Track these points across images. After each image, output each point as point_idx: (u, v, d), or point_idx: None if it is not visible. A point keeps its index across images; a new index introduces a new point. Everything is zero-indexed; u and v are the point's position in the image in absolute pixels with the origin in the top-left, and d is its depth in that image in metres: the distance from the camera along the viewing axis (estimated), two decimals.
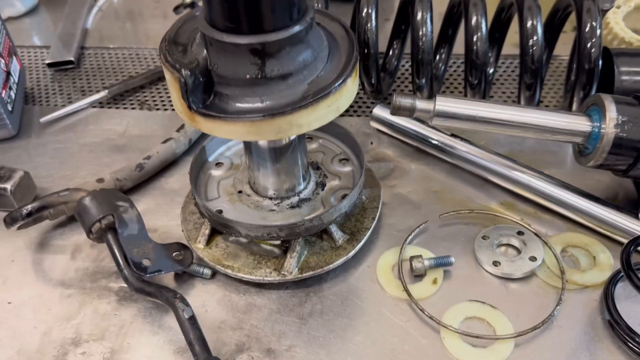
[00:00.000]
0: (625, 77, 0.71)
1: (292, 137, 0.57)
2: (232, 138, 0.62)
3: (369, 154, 0.74)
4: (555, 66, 0.88)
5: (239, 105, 0.48)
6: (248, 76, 0.47)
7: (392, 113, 0.61)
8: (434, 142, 0.71)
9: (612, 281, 0.54)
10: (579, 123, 0.59)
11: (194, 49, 0.50)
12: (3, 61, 0.81)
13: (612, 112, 0.57)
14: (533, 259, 0.58)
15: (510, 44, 0.82)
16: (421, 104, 0.60)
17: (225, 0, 0.45)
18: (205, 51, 0.49)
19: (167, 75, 0.48)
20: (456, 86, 0.86)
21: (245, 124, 0.47)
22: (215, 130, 0.49)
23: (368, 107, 0.83)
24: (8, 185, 0.66)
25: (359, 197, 0.62)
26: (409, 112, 0.60)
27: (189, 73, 0.46)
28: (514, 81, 0.86)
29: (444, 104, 0.60)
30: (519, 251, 0.60)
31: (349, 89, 0.50)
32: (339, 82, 0.48)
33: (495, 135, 0.74)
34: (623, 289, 0.54)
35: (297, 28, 0.47)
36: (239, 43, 0.46)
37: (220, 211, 0.60)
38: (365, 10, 0.73)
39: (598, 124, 0.58)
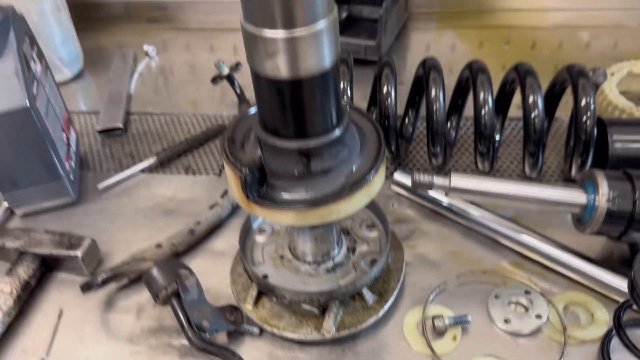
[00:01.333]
0: (618, 145, 0.80)
1: None
2: (282, 223, 0.71)
3: (390, 216, 0.83)
4: (557, 127, 0.97)
5: (287, 195, 0.57)
6: (296, 172, 0.57)
7: (413, 189, 0.70)
8: (449, 206, 0.81)
9: (608, 337, 0.63)
10: (576, 197, 0.68)
11: (250, 147, 0.60)
12: (65, 134, 0.92)
13: (604, 187, 0.66)
14: (539, 316, 0.67)
15: (515, 105, 0.91)
16: (438, 181, 0.69)
17: (278, 115, 0.55)
18: (259, 150, 0.59)
19: (228, 170, 0.58)
20: (467, 147, 0.96)
21: (293, 212, 0.57)
22: (268, 216, 0.58)
23: (390, 171, 0.92)
24: (79, 253, 0.76)
25: (385, 261, 0.71)
26: (428, 187, 0.70)
27: (247, 171, 0.56)
28: (519, 142, 0.95)
29: (458, 181, 0.69)
30: (526, 309, 0.68)
31: (380, 177, 0.60)
32: (371, 174, 0.58)
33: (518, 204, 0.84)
34: (617, 343, 0.62)
35: (336, 133, 0.56)
36: (289, 147, 0.56)
37: (266, 276, 0.69)
38: (385, 89, 0.83)
39: (593, 197, 0.67)
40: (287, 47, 0.49)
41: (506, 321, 0.67)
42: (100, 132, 1.06)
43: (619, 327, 0.60)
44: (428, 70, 0.83)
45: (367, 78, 0.95)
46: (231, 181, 0.59)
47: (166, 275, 0.67)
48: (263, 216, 0.59)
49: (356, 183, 0.57)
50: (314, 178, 0.57)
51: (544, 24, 1.33)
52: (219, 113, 1.10)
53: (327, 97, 0.54)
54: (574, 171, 0.82)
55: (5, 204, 0.88)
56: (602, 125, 0.82)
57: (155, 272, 0.67)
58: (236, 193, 0.59)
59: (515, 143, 0.96)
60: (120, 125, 1.06)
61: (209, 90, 1.17)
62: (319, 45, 0.50)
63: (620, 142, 0.80)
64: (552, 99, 0.88)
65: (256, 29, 0.49)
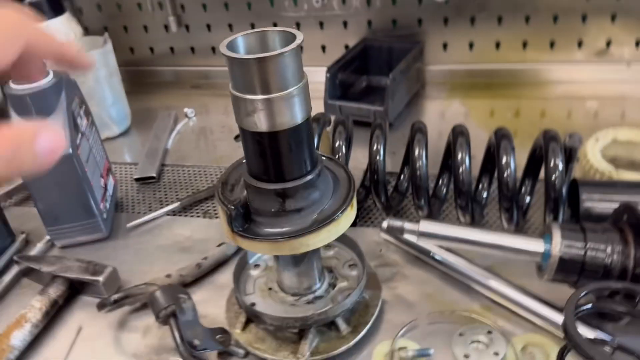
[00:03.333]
0: (588, 204, 0.87)
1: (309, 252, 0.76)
2: (260, 252, 0.82)
3: (377, 260, 0.92)
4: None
5: (266, 229, 0.68)
6: (273, 210, 0.68)
7: (387, 231, 0.79)
8: (430, 254, 0.88)
9: None
10: (535, 245, 0.75)
11: (239, 188, 0.72)
12: (103, 180, 1.07)
13: (557, 237, 0.73)
14: (496, 354, 0.72)
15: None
16: (408, 226, 0.78)
17: (259, 162, 0.66)
18: (245, 191, 0.70)
19: (219, 207, 0.70)
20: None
21: (270, 244, 0.67)
22: (249, 247, 0.69)
23: (383, 218, 1.01)
24: (100, 278, 0.88)
25: (361, 296, 0.79)
26: (399, 231, 0.79)
27: (232, 207, 0.67)
28: None
29: (426, 226, 0.78)
30: (486, 346, 0.74)
31: (347, 217, 0.69)
32: (338, 213, 0.68)
33: (483, 249, 0.91)
34: None
35: (308, 178, 0.67)
36: (268, 188, 0.67)
37: (253, 304, 0.79)
38: (375, 146, 0.94)
39: (549, 247, 0.74)
40: (265, 107, 0.61)
41: (466, 356, 0.73)
42: (137, 180, 1.21)
43: None
44: (456, 137, 0.92)
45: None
46: (221, 216, 0.70)
47: (167, 298, 0.78)
48: (245, 247, 0.69)
49: (324, 220, 0.67)
50: (289, 215, 0.68)
51: (552, 95, 1.41)
52: None
53: (300, 147, 0.65)
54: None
55: (47, 237, 1.03)
56: (576, 185, 0.89)
57: (158, 294, 0.78)
58: (224, 226, 0.70)
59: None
60: (154, 174, 1.21)
61: (236, 147, 1.31)
62: (290, 105, 0.62)
63: (590, 201, 0.87)
64: (535, 161, 0.96)
65: (240, 94, 0.62)
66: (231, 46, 0.61)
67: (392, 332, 0.78)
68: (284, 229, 0.67)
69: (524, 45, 1.42)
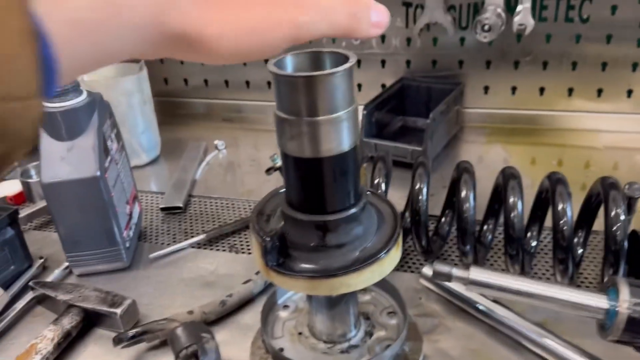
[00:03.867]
0: None
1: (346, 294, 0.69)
2: (295, 291, 0.75)
3: (417, 309, 0.84)
4: (598, 240, 0.97)
5: (303, 265, 0.62)
6: (312, 244, 0.62)
7: (433, 277, 0.73)
8: (475, 304, 0.81)
9: None
10: (597, 301, 0.67)
11: (275, 219, 0.66)
12: (128, 207, 1.02)
13: (625, 294, 0.65)
14: None
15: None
16: (457, 272, 0.71)
17: (300, 191, 0.61)
18: (282, 222, 0.64)
19: (253, 238, 0.64)
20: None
21: (306, 281, 0.61)
22: (282, 284, 0.62)
23: (422, 264, 0.95)
24: (118, 310, 0.82)
25: (401, 348, 0.72)
26: (447, 278, 0.72)
27: (268, 239, 0.61)
28: None
29: (477, 274, 0.71)
30: None
31: (392, 257, 0.63)
32: (383, 252, 0.62)
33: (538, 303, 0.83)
34: None
35: (352, 211, 0.61)
36: (308, 220, 0.61)
37: (282, 349, 0.72)
38: (417, 185, 0.88)
39: (615, 304, 0.66)
40: (310, 130, 0.56)
41: None
42: (162, 209, 1.17)
43: None
44: (506, 179, 0.86)
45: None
46: (255, 249, 0.65)
47: (189, 336, 0.71)
48: (279, 284, 0.63)
49: (367, 259, 0.61)
50: (329, 251, 0.62)
51: (597, 144, 1.34)
52: None
53: (345, 176, 0.60)
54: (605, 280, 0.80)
55: (65, 264, 0.98)
56: (637, 238, 0.82)
57: (179, 331, 0.72)
58: (258, 259, 0.64)
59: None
60: (180, 204, 1.16)
61: (264, 181, 1.26)
62: (338, 130, 0.57)
63: None
64: (589, 210, 0.89)
65: (285, 115, 0.57)
66: (279, 64, 0.57)
67: None
68: (323, 266, 0.61)
69: (570, 92, 1.37)
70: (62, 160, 0.88)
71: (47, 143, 0.88)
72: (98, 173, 0.88)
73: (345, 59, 0.57)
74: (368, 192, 0.69)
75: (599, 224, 0.88)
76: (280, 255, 0.63)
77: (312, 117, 0.55)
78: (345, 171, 0.60)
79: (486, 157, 1.34)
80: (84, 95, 0.89)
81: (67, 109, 0.87)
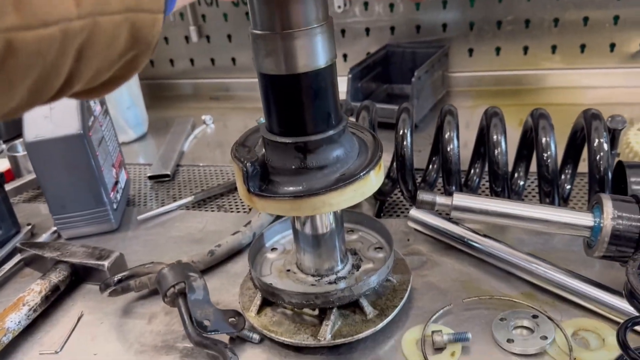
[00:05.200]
0: (636, 187, 0.78)
1: (331, 227, 0.69)
2: (279, 213, 0.73)
3: (405, 249, 0.84)
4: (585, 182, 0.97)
5: (285, 188, 0.62)
6: (293, 167, 0.62)
7: (417, 207, 0.72)
8: (464, 240, 0.81)
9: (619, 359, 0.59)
10: (583, 218, 0.67)
11: (256, 149, 0.66)
12: (115, 171, 1.02)
13: (609, 207, 0.65)
14: (544, 337, 0.63)
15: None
16: (440, 199, 0.71)
17: (278, 112, 0.61)
18: (263, 150, 0.64)
19: (235, 166, 0.64)
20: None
21: (289, 202, 0.60)
22: (265, 208, 0.62)
23: (407, 209, 0.94)
24: (105, 263, 0.82)
25: (388, 278, 0.71)
26: (431, 206, 0.71)
27: (249, 164, 0.61)
28: None
29: (460, 199, 0.71)
30: (532, 331, 0.65)
31: (372, 179, 0.63)
32: (364, 172, 0.62)
33: (520, 235, 0.83)
34: None
35: (332, 132, 0.61)
36: (287, 142, 0.61)
37: (271, 284, 0.71)
38: (401, 131, 0.88)
39: (599, 220, 0.66)
40: (285, 44, 0.56)
41: (509, 341, 0.64)
42: (150, 177, 1.16)
43: (625, 346, 0.57)
44: (489, 118, 0.86)
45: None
46: (237, 178, 0.64)
47: (176, 275, 0.71)
48: (262, 208, 0.63)
49: (348, 177, 0.61)
50: (310, 173, 0.62)
51: (583, 101, 1.34)
52: None
53: (323, 95, 0.60)
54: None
55: (53, 228, 0.97)
56: (622, 168, 0.82)
57: (166, 271, 0.71)
58: (240, 187, 0.64)
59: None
60: (168, 172, 1.16)
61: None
62: (312, 44, 0.57)
63: (638, 185, 0.79)
64: (575, 146, 0.89)
65: (260, 31, 0.57)
66: None
67: (423, 319, 0.70)
68: (305, 187, 0.61)
69: (553, 49, 1.37)
70: (45, 119, 0.88)
71: None
72: (81, 131, 0.88)
73: None
74: (350, 124, 0.69)
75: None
76: (262, 181, 0.63)
77: (286, 29, 0.56)
78: (322, 89, 0.60)
79: (473, 121, 1.34)
80: None
81: None
